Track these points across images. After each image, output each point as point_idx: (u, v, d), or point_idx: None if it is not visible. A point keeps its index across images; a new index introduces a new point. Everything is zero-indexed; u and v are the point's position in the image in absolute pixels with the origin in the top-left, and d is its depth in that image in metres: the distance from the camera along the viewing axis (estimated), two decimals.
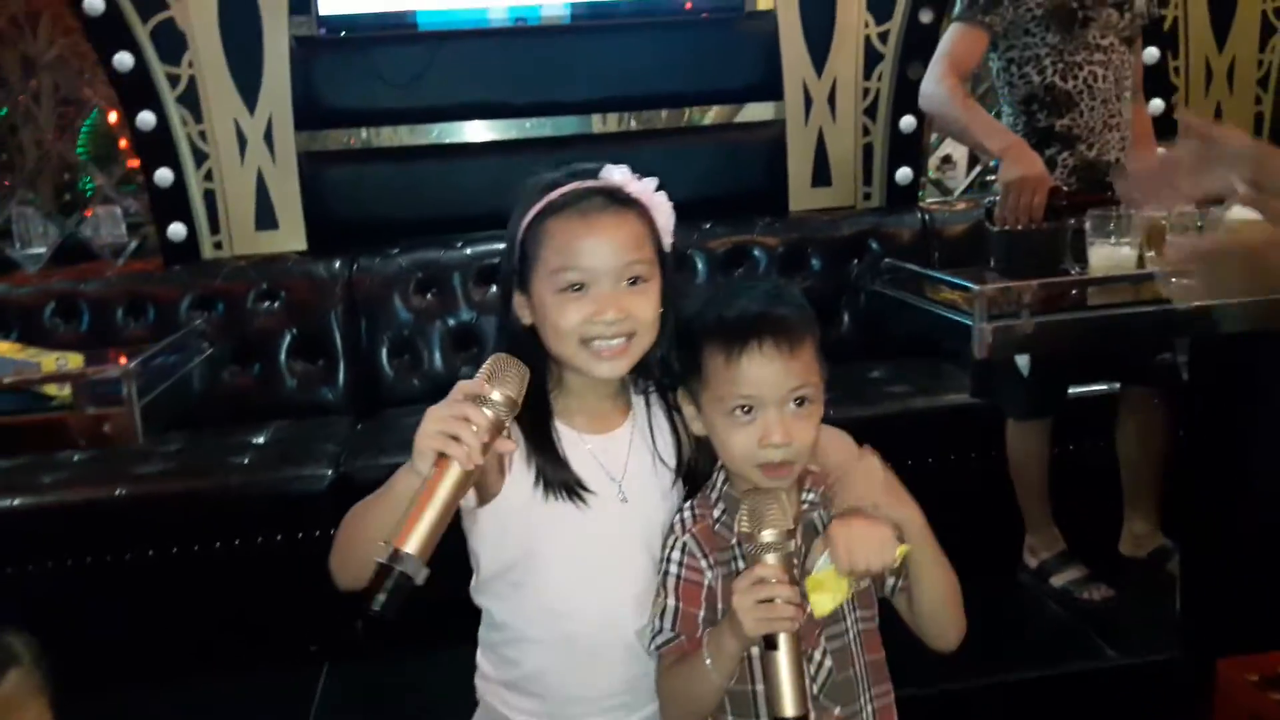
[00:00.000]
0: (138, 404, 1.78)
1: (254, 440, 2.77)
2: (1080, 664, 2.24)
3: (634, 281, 1.17)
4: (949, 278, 1.87)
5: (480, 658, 1.31)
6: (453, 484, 1.01)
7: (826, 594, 1.11)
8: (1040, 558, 2.54)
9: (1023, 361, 2.33)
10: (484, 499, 1.19)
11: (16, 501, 2.46)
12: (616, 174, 1.20)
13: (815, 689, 1.18)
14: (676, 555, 1.21)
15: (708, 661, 1.12)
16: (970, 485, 2.59)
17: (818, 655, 1.19)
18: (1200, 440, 2.14)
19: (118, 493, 2.49)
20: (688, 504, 1.25)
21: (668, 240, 1.24)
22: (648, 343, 1.21)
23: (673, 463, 1.27)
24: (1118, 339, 2.06)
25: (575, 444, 1.21)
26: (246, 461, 2.63)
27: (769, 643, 1.07)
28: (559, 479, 1.19)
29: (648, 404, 1.29)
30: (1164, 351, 2.43)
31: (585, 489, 1.20)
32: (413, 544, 0.97)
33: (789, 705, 1.06)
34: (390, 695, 2.35)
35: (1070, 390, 2.50)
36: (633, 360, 1.20)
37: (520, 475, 1.19)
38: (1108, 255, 1.90)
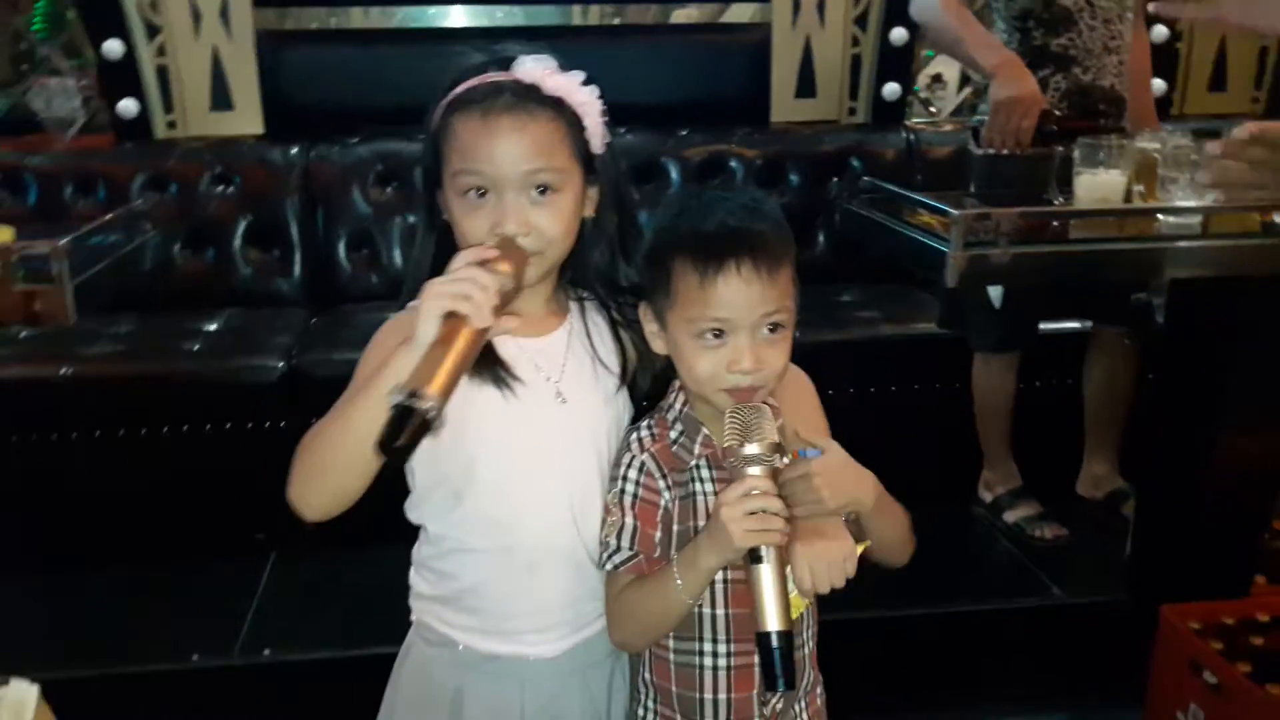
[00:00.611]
0: (70, 282, 1.71)
1: (206, 327, 2.71)
2: (1025, 600, 2.23)
3: (542, 190, 1.09)
4: (927, 200, 1.80)
5: (414, 577, 1.26)
6: (465, 341, 0.95)
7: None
8: (995, 492, 2.53)
9: (995, 293, 2.27)
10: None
11: None
12: (530, 66, 1.10)
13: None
14: (633, 475, 1.16)
15: (678, 580, 1.08)
16: (932, 415, 2.56)
17: None
18: (1170, 384, 2.10)
19: (63, 371, 2.42)
20: (644, 423, 1.20)
21: (597, 143, 1.15)
22: (557, 255, 1.14)
23: (616, 369, 1.22)
24: (1097, 275, 2.01)
25: (507, 346, 1.14)
26: (197, 348, 2.58)
27: (753, 556, 1.03)
28: (485, 366, 1.11)
29: (582, 311, 1.23)
30: (1139, 291, 2.39)
31: (514, 377, 1.14)
32: (434, 385, 0.92)
33: (773, 619, 1.02)
34: (336, 587, 2.34)
35: (1040, 327, 2.44)
36: (541, 272, 1.13)
37: None
38: (1095, 186, 1.83)
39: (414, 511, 1.23)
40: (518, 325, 1.05)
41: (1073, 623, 2.19)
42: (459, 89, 1.10)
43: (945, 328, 2.53)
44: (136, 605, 2.25)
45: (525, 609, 1.19)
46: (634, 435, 1.19)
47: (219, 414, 2.43)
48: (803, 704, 1.22)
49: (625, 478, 1.16)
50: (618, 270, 1.21)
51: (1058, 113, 2.15)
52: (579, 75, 1.12)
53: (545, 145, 1.09)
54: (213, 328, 2.70)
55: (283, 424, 2.44)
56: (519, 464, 1.16)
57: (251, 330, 2.69)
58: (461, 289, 0.97)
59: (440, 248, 1.13)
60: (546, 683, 1.21)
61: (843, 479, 1.09)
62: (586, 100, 1.12)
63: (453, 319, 0.96)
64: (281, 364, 2.48)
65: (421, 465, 1.17)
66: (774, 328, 1.10)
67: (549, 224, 1.10)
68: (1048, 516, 2.45)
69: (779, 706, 1.19)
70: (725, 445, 1.06)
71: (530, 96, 1.09)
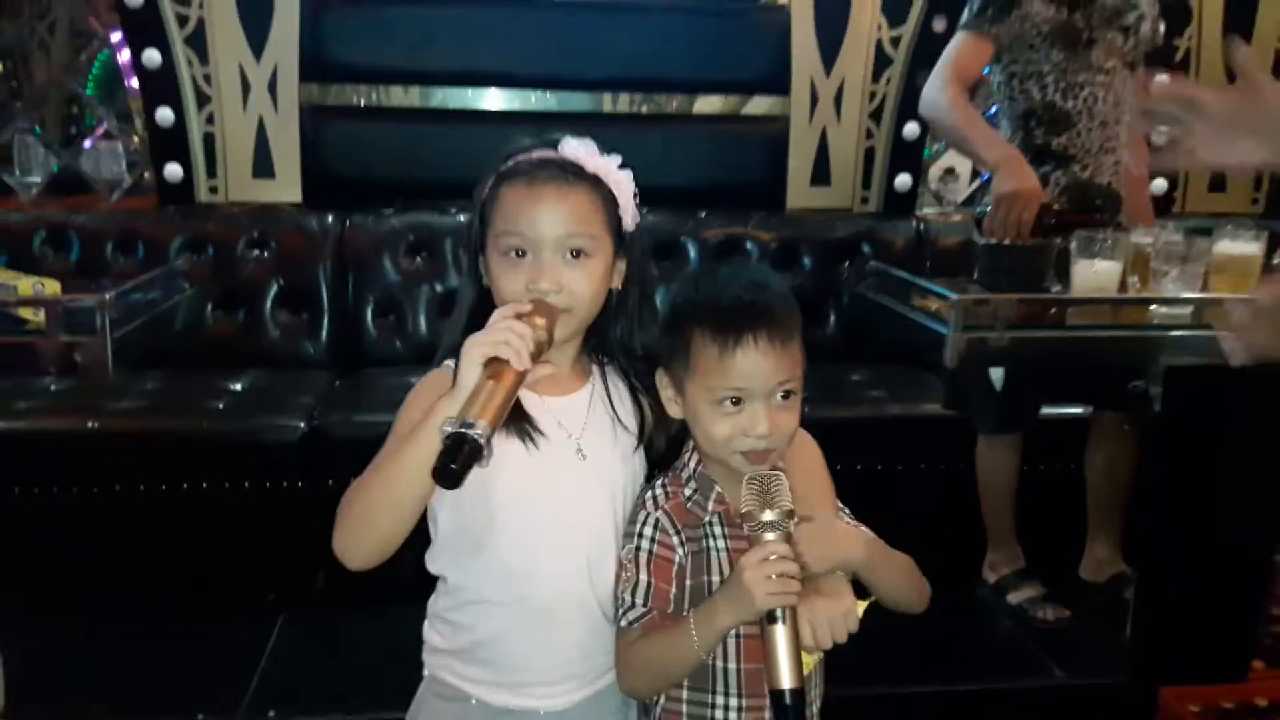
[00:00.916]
0: (110, 335, 1.79)
1: (232, 386, 2.77)
2: (1027, 681, 2.24)
3: (576, 254, 1.19)
4: (928, 284, 1.87)
5: (428, 630, 1.31)
6: (507, 380, 1.06)
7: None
8: (999, 573, 2.55)
9: (996, 376, 2.33)
10: None
11: None
12: (573, 146, 1.21)
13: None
14: (648, 531, 1.22)
15: (694, 635, 1.14)
16: (938, 495, 2.60)
17: None
18: (1167, 470, 2.14)
19: (90, 425, 2.49)
20: (659, 481, 1.26)
21: (629, 219, 1.25)
22: (585, 316, 1.23)
23: (635, 430, 1.28)
24: (1091, 360, 2.07)
25: (533, 404, 1.22)
26: (221, 406, 2.63)
27: (770, 617, 1.09)
28: (512, 421, 1.17)
29: (604, 375, 1.30)
30: (1138, 379, 2.44)
31: (538, 431, 1.20)
32: (485, 415, 1.02)
33: (787, 678, 1.08)
34: (342, 649, 2.35)
35: (1042, 411, 2.50)
36: (570, 331, 1.21)
37: None
38: (1090, 276, 1.90)
39: (434, 562, 1.28)
40: (552, 371, 1.15)
41: (1074, 704, 2.20)
42: (509, 163, 1.21)
43: (950, 409, 2.59)
44: (146, 661, 2.25)
45: (538, 661, 1.23)
46: (649, 493, 1.25)
47: (239, 472, 2.48)
48: None
49: (641, 534, 1.22)
50: (635, 339, 1.29)
51: (1056, 207, 2.23)
52: (617, 158, 1.23)
53: (582, 214, 1.19)
54: (238, 387, 2.77)
55: (300, 484, 2.50)
56: (538, 516, 1.21)
57: (275, 390, 2.75)
58: (501, 336, 1.07)
59: (479, 310, 1.21)
60: None
61: (824, 543, 1.15)
62: (622, 180, 1.23)
63: (494, 364, 1.07)
64: (303, 424, 2.53)
65: (445, 512, 1.23)
66: (787, 395, 1.18)
67: (580, 284, 1.19)
68: (1051, 598, 2.47)
69: None
70: (744, 510, 1.12)
71: (572, 171, 1.20)
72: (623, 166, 1.24)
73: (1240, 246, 1.88)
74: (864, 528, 1.23)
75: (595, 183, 1.21)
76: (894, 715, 2.16)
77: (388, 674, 2.18)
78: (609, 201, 1.22)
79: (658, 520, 1.22)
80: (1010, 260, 2.22)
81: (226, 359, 2.94)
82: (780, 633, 1.08)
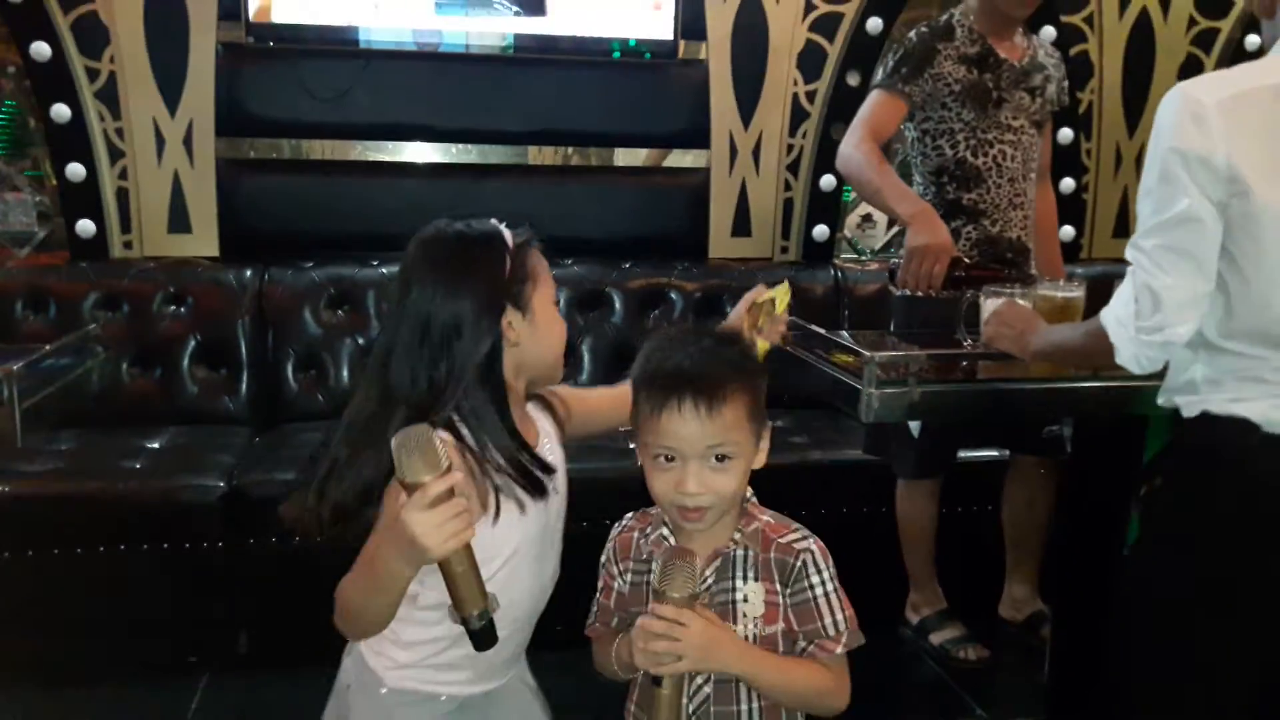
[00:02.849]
0: (19, 406, 1.75)
1: (148, 444, 2.72)
2: None
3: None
4: (843, 341, 1.92)
5: (387, 649, 1.36)
6: (467, 554, 1.13)
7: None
8: (921, 614, 2.61)
9: (914, 425, 2.40)
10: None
11: None
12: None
13: (690, 707, 1.27)
14: (604, 557, 1.39)
15: (613, 659, 1.29)
16: (861, 539, 2.62)
17: (700, 680, 1.27)
18: (1077, 514, 2.21)
19: (2, 489, 2.42)
20: (630, 514, 1.39)
21: None
22: None
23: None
24: (1003, 412, 2.14)
25: (546, 453, 1.39)
26: (138, 466, 2.58)
27: (655, 679, 1.17)
28: (534, 486, 1.32)
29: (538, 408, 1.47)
30: (1052, 424, 2.53)
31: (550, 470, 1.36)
32: (480, 602, 1.15)
33: None
34: (267, 710, 2.32)
35: (960, 455, 2.57)
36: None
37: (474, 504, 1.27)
38: None
39: (410, 612, 1.31)
40: (460, 478, 1.15)
41: None
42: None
43: (870, 454, 2.65)
44: None
45: (504, 655, 1.37)
46: (617, 523, 1.39)
47: (158, 534, 2.44)
48: None
49: (603, 558, 1.38)
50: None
51: (967, 260, 2.32)
52: None
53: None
54: (155, 445, 2.72)
55: (220, 544, 2.45)
56: (523, 560, 1.35)
57: (194, 449, 2.70)
58: (457, 526, 1.10)
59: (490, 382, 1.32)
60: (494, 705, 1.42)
61: (707, 648, 1.19)
62: None
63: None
64: (222, 484, 2.49)
65: (434, 591, 1.25)
66: (721, 458, 1.23)
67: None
68: (971, 638, 2.54)
69: None
70: (656, 588, 1.20)
71: None
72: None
73: (1061, 291, 1.98)
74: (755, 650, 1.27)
75: None
76: None
77: None
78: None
79: (609, 550, 1.38)
80: (924, 312, 2.29)
81: (144, 417, 2.88)
82: (659, 696, 1.17)
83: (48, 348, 2.00)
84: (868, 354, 1.75)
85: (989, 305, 1.91)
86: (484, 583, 1.15)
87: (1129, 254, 1.46)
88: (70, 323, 2.82)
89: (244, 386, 3.01)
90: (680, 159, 3.45)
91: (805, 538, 1.30)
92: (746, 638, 1.27)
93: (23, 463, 2.51)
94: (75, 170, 3.00)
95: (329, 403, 3.02)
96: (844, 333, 1.97)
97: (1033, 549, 2.65)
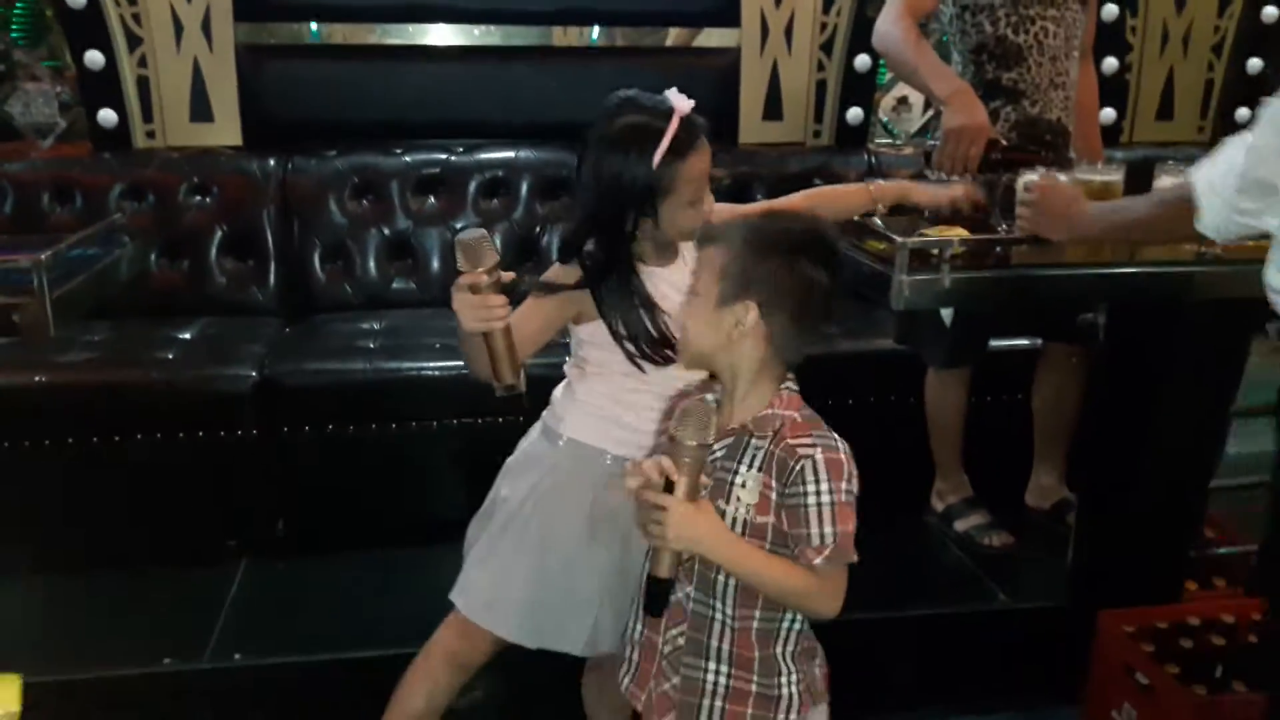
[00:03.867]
0: (49, 295, 1.76)
1: (180, 335, 2.74)
2: (972, 605, 2.33)
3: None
4: (875, 227, 1.88)
5: (573, 392, 1.62)
6: (500, 338, 1.39)
7: None
8: (947, 502, 2.62)
9: (946, 312, 2.37)
10: (579, 320, 1.57)
11: None
12: (682, 101, 1.52)
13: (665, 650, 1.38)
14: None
15: None
16: (889, 428, 2.65)
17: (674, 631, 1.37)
18: (1108, 400, 2.20)
19: (37, 379, 2.46)
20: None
21: None
22: None
23: None
24: (1036, 299, 2.10)
25: (649, 276, 1.55)
26: (171, 357, 2.61)
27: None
28: (643, 307, 1.52)
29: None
30: (1086, 311, 2.49)
31: (670, 347, 1.51)
32: (507, 377, 1.41)
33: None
34: (306, 593, 2.38)
35: (991, 343, 2.54)
36: None
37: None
38: None
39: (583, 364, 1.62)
40: (512, 275, 1.40)
41: (1017, 627, 2.29)
42: (668, 138, 1.48)
43: (901, 344, 2.63)
44: (109, 610, 2.27)
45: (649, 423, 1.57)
46: None
47: (192, 422, 2.47)
48: None
49: None
50: None
51: (1004, 142, 2.24)
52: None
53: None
54: (187, 336, 2.74)
55: (255, 433, 2.49)
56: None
57: (225, 340, 2.72)
58: (479, 315, 1.36)
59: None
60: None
61: (684, 525, 1.25)
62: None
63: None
64: (254, 373, 2.52)
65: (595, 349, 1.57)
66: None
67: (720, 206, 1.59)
68: (996, 525, 2.55)
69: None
70: (670, 433, 1.26)
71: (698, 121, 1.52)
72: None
73: (1099, 175, 1.91)
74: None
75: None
76: (843, 640, 2.22)
77: (348, 616, 2.24)
78: None
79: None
80: None
81: (173, 308, 2.90)
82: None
83: (74, 237, 1.99)
84: (900, 239, 1.71)
85: (1025, 188, 1.86)
86: (519, 367, 1.41)
87: (1240, 140, 1.38)
88: (96, 214, 2.81)
89: (272, 278, 3.02)
90: (710, 38, 3.34)
91: (813, 445, 1.29)
92: (735, 520, 1.31)
93: (57, 353, 2.53)
94: (94, 58, 2.96)
95: (357, 293, 3.03)
96: (875, 219, 1.91)
97: (1061, 438, 2.63)
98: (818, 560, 1.27)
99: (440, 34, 3.27)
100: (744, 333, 1.31)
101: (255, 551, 2.50)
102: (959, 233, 1.80)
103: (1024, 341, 2.66)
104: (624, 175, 1.47)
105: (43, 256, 1.75)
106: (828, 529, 1.27)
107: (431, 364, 2.56)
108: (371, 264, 3.04)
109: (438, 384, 2.52)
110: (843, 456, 1.29)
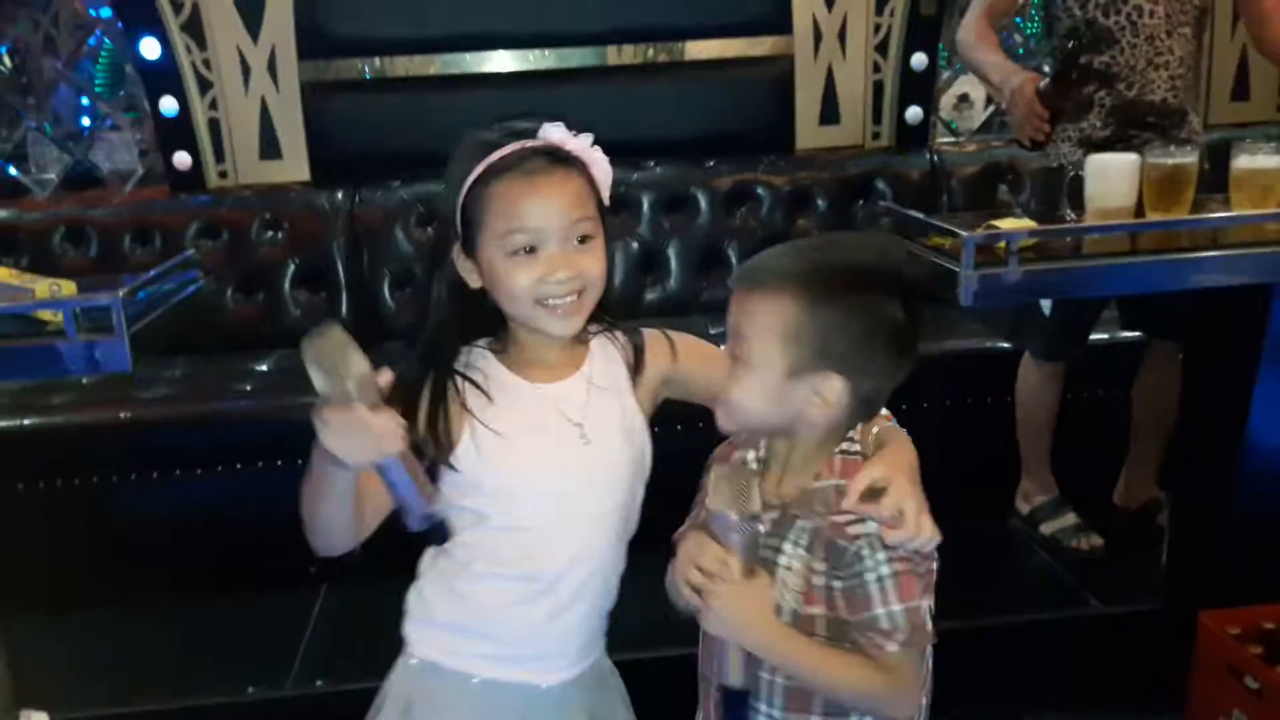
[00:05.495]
0: (127, 331, 1.81)
1: (258, 368, 2.81)
2: (1063, 611, 2.25)
3: (582, 240, 1.18)
4: (938, 222, 1.84)
5: (417, 601, 1.32)
6: (403, 463, 1.08)
7: None
8: (1033, 503, 2.54)
9: (1045, 303, 2.31)
10: (449, 446, 1.21)
11: (27, 421, 2.52)
12: (555, 132, 1.18)
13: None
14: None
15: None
16: (966, 430, 2.59)
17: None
18: (1203, 392, 2.11)
19: (122, 415, 2.54)
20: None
21: (606, 195, 1.23)
22: (597, 296, 1.21)
23: (629, 388, 1.27)
24: (1109, 287, 2.03)
25: (529, 393, 1.22)
26: (249, 388, 2.67)
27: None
28: (515, 413, 1.20)
29: (610, 343, 1.29)
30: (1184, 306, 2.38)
31: (536, 421, 1.21)
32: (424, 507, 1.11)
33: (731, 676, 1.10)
34: (385, 618, 2.40)
35: (1092, 337, 2.46)
36: (585, 315, 1.21)
37: (487, 420, 1.20)
38: (1103, 202, 1.86)
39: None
40: (390, 376, 1.09)
41: (1111, 633, 2.20)
42: (493, 157, 1.15)
43: (1009, 342, 2.58)
44: (193, 640, 2.32)
45: (541, 636, 1.24)
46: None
47: (271, 452, 2.51)
48: None
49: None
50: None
51: (1042, 86, 2.24)
52: (588, 136, 1.21)
53: (580, 198, 1.18)
54: (264, 369, 2.80)
55: None
56: (542, 499, 1.21)
57: (301, 370, 2.76)
58: (367, 438, 1.05)
59: (460, 309, 1.22)
60: (551, 712, 1.26)
61: (735, 609, 1.08)
62: (600, 159, 1.21)
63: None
64: None
65: (451, 489, 1.22)
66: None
67: (591, 266, 1.18)
68: (1084, 527, 2.46)
69: None
70: (711, 508, 1.07)
71: (560, 157, 1.17)
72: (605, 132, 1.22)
73: (1260, 161, 1.82)
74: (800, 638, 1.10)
75: (580, 166, 1.19)
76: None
77: None
78: (591, 181, 1.21)
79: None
80: (1055, 184, 2.19)
81: (250, 341, 2.97)
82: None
83: (150, 274, 2.05)
84: (964, 234, 1.67)
85: (1092, 172, 1.80)
86: (419, 491, 1.10)
87: None
88: (173, 253, 2.84)
89: (344, 307, 3.08)
90: (762, 46, 3.32)
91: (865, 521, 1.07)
92: (782, 609, 1.10)
93: (142, 389, 2.62)
94: (169, 105, 3.07)
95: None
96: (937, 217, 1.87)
97: (1159, 437, 2.52)
98: (890, 646, 1.07)
99: (496, 61, 3.31)
100: (824, 406, 1.11)
101: (334, 577, 2.53)
102: (1027, 224, 1.75)
103: (1126, 335, 2.56)
104: (439, 209, 1.24)
105: (120, 293, 1.80)
106: (894, 607, 1.06)
107: None
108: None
109: None
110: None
